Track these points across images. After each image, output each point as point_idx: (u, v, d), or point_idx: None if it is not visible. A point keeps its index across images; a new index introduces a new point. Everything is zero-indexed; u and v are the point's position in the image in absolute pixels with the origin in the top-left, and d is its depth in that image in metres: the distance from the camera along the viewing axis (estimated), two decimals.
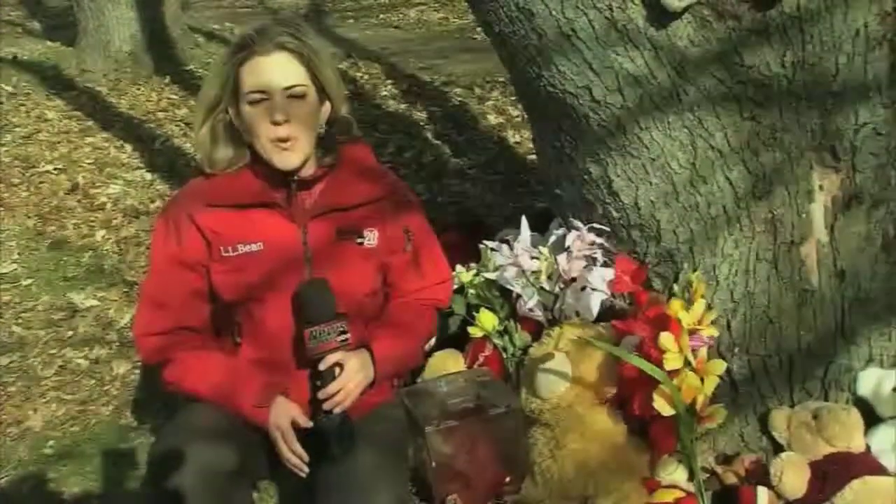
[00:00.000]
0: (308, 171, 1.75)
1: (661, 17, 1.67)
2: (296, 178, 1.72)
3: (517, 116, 4.62)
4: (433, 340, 2.06)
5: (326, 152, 1.78)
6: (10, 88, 6.54)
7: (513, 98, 4.82)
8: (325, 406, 1.63)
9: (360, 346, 1.71)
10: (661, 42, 1.69)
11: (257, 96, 1.66)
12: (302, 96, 1.68)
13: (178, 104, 5.53)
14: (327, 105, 1.75)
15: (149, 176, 4.40)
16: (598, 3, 1.67)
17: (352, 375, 1.65)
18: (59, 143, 5.08)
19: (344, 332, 1.64)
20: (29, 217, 3.95)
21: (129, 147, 4.88)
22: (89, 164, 4.67)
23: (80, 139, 5.12)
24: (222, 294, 1.74)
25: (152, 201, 4.08)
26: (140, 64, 6.65)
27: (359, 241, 1.76)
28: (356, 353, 1.69)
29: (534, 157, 4.04)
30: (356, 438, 1.62)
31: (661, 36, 1.69)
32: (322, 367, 1.63)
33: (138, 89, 6.20)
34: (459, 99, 5.20)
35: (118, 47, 6.66)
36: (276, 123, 1.65)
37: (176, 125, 5.21)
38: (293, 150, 1.68)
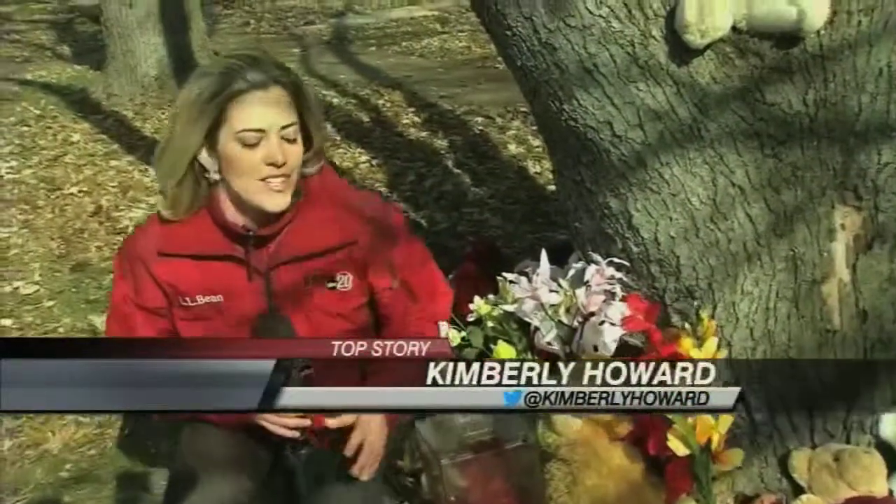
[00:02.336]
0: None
1: (682, 53, 1.67)
2: (251, 233, 1.60)
3: (537, 147, 4.63)
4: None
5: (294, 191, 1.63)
6: (37, 111, 6.65)
7: (533, 128, 4.84)
8: (355, 471, 1.57)
9: None
10: (683, 78, 1.69)
11: (253, 137, 1.51)
12: (294, 139, 1.56)
13: None
14: (311, 150, 1.63)
15: None
16: (619, 39, 1.68)
17: (374, 430, 1.57)
18: (84, 165, 5.15)
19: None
20: (52, 239, 4.00)
21: (152, 171, 4.91)
22: (113, 187, 4.72)
23: (105, 162, 5.19)
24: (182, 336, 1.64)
25: None
26: (166, 89, 6.74)
27: (330, 285, 1.64)
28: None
29: (553, 188, 4.04)
30: (330, 472, 1.58)
31: (682, 72, 1.69)
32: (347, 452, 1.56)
33: (163, 114, 6.28)
34: (480, 128, 5.23)
35: (145, 72, 6.76)
36: (275, 165, 1.52)
37: None
38: (285, 193, 1.56)
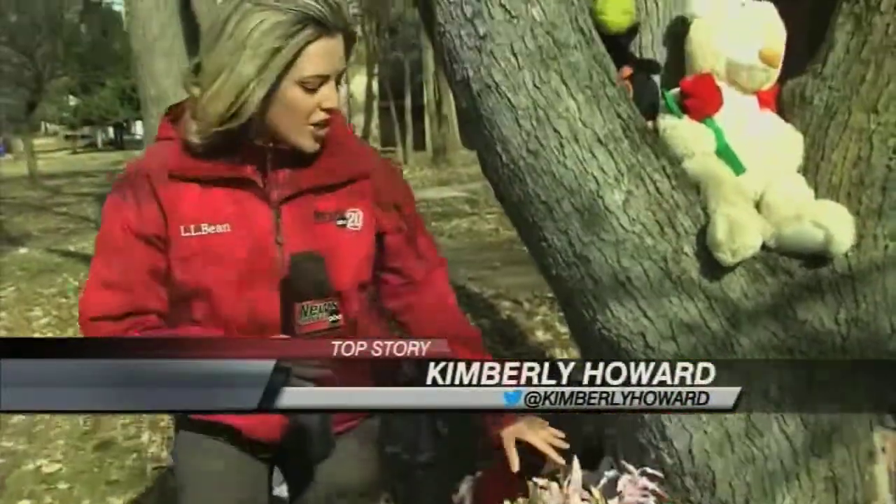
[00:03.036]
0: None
1: (714, 269, 1.72)
2: (271, 146, 1.51)
3: (565, 334, 4.66)
4: None
5: None
6: (76, 283, 6.86)
7: (560, 315, 4.88)
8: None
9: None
10: (715, 293, 1.73)
11: (318, 82, 1.46)
12: (340, 82, 1.54)
13: None
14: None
15: None
16: (652, 254, 1.73)
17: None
18: None
19: (335, 313, 1.48)
20: (79, 415, 4.01)
21: None
22: None
23: None
24: (177, 284, 1.51)
25: None
26: None
27: (340, 222, 1.57)
28: None
29: None
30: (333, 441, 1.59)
31: (714, 287, 1.73)
32: None
33: None
34: (508, 313, 5.29)
35: None
36: (329, 111, 1.49)
37: None
38: (322, 135, 1.53)
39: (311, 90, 1.46)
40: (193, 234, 1.49)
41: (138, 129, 39.36)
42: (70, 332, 5.36)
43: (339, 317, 1.49)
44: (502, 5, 1.66)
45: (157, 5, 6.64)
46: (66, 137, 50.37)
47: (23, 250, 9.07)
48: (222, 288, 1.49)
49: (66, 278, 7.07)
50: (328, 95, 1.48)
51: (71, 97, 41.99)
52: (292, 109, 1.46)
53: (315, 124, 1.49)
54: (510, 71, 1.68)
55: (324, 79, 1.46)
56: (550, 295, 5.17)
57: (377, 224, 1.61)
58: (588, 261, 1.77)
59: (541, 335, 4.81)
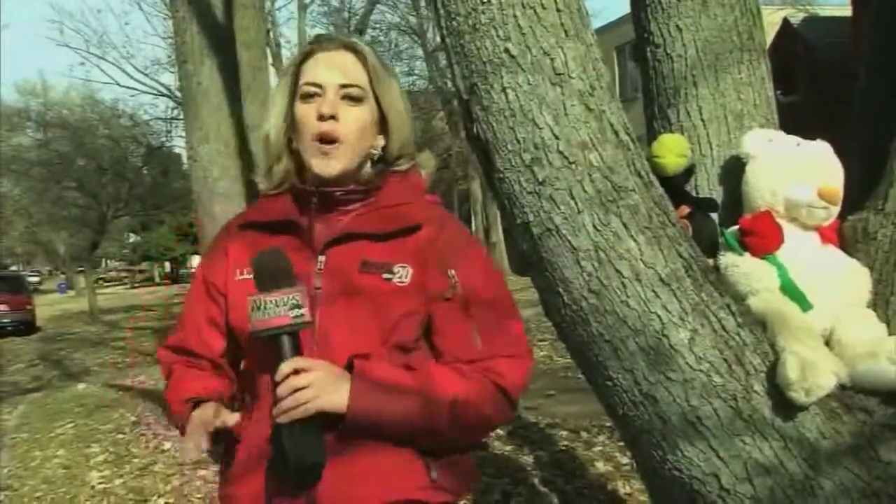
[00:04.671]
0: (343, 186, 1.53)
1: (787, 408, 1.68)
2: (317, 189, 1.51)
3: (626, 465, 4.53)
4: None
5: (371, 176, 1.56)
6: (133, 418, 6.92)
7: (620, 444, 4.77)
8: (274, 413, 1.33)
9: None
10: (790, 433, 1.68)
11: (311, 90, 1.51)
12: (357, 99, 1.51)
13: None
14: (389, 140, 1.56)
15: None
16: (721, 393, 1.70)
17: (311, 379, 1.34)
18: (172, 475, 5.22)
19: (299, 307, 1.33)
20: None
21: None
22: (199, 498, 4.74)
23: (193, 472, 5.25)
24: (233, 331, 1.54)
25: None
26: None
27: (386, 276, 1.45)
28: (329, 364, 1.38)
29: None
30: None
31: (789, 427, 1.68)
32: (277, 377, 1.33)
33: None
34: (565, 443, 5.17)
35: None
36: (321, 118, 1.48)
37: None
38: (334, 157, 1.49)
39: (309, 98, 1.51)
40: (238, 277, 1.53)
41: (194, 263, 40.52)
42: (126, 469, 5.38)
43: (304, 311, 1.35)
44: (560, 152, 1.71)
45: (217, 150, 6.97)
46: (125, 272, 51.96)
47: (81, 386, 9.22)
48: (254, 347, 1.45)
49: (123, 413, 7.14)
50: (324, 102, 1.49)
51: (131, 235, 43.58)
52: (297, 122, 1.52)
53: (319, 140, 1.49)
54: (570, 214, 1.72)
55: (319, 87, 1.50)
56: (609, 424, 5.06)
57: (425, 286, 1.47)
58: (656, 400, 1.75)
59: (601, 466, 4.67)
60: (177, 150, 28.74)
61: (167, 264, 46.36)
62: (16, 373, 12.59)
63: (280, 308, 1.32)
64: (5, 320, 20.30)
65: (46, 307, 27.48)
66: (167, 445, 5.93)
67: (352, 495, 1.42)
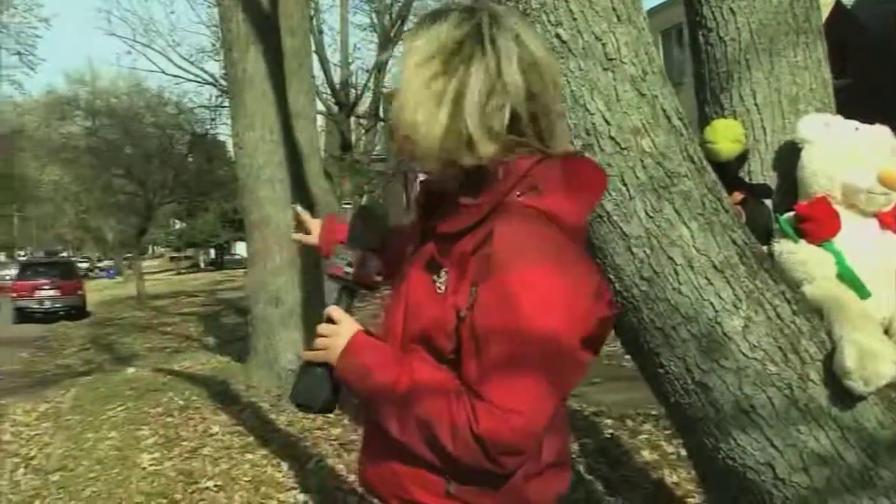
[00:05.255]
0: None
1: (845, 397, 1.65)
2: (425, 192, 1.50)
3: (672, 454, 4.49)
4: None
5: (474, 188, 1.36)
6: (181, 402, 7.03)
7: (667, 432, 4.73)
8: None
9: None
10: (847, 422, 1.66)
11: None
12: None
13: (335, 422, 5.72)
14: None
15: (301, 497, 4.45)
16: (776, 382, 1.68)
17: (329, 332, 1.44)
18: (220, 458, 5.29)
19: (350, 265, 1.52)
20: None
21: (284, 466, 5.01)
22: (247, 482, 4.80)
23: (241, 455, 5.32)
24: None
25: None
26: None
27: (434, 278, 1.35)
28: (354, 327, 1.44)
29: (693, 501, 3.86)
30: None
31: (846, 416, 1.66)
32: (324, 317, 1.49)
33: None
34: (610, 431, 5.14)
35: (282, 365, 7.13)
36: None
37: (329, 444, 5.35)
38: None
39: None
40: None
41: (237, 249, 41.05)
42: (175, 451, 5.48)
43: (351, 271, 1.51)
44: (612, 137, 1.70)
45: (262, 137, 7.04)
46: (171, 259, 52.82)
47: (131, 370, 9.39)
48: None
49: (172, 397, 7.24)
50: None
51: (176, 222, 44.28)
52: None
53: None
54: (621, 201, 1.71)
55: None
56: (654, 412, 5.02)
57: (455, 295, 1.32)
58: (708, 388, 1.73)
59: (647, 454, 4.63)
60: (221, 138, 29.09)
61: (212, 251, 47.05)
62: (68, 356, 12.86)
63: (342, 261, 1.53)
64: (58, 305, 20.75)
65: (96, 292, 28.02)
66: (215, 429, 6.01)
67: (384, 480, 1.46)
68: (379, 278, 1.57)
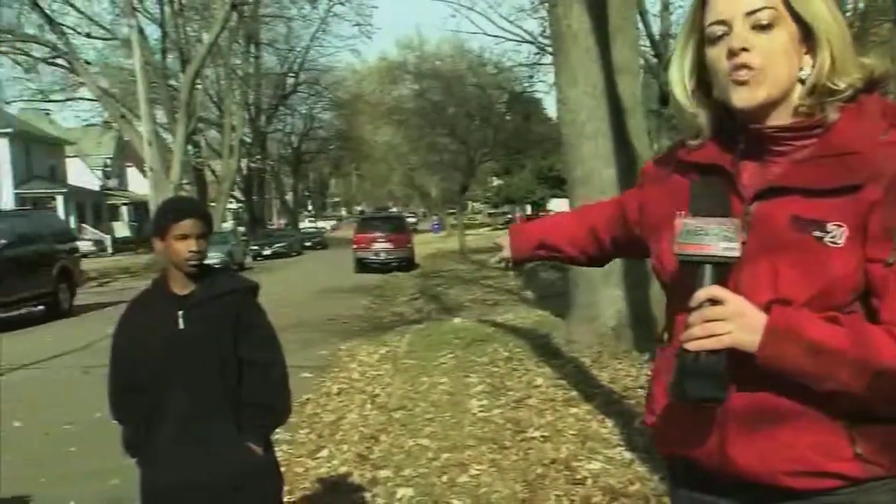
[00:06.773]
0: (775, 121, 1.34)
1: None
2: (749, 127, 1.35)
3: None
4: None
5: (814, 109, 1.33)
6: (506, 353, 7.32)
7: None
8: (682, 339, 1.27)
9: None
10: None
11: (717, 30, 1.33)
12: (768, 26, 1.31)
13: None
14: (818, 58, 1.32)
15: (628, 455, 4.38)
16: None
17: (727, 312, 1.24)
18: (545, 410, 5.43)
19: (731, 240, 1.24)
20: (517, 482, 4.18)
21: (609, 422, 4.99)
22: (572, 435, 4.86)
23: (565, 409, 5.41)
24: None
25: (631, 483, 3.99)
26: (621, 339, 7.00)
27: (817, 234, 1.27)
28: (746, 301, 1.26)
29: None
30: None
31: None
32: (692, 303, 1.26)
33: (619, 363, 6.47)
34: None
35: (603, 322, 7.12)
36: (732, 54, 1.31)
37: None
38: (751, 84, 1.31)
39: (716, 40, 1.34)
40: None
41: (552, 206, 41.78)
42: (502, 400, 5.71)
43: (737, 247, 1.26)
44: None
45: (585, 92, 6.99)
46: (489, 215, 55.28)
47: (457, 320, 9.95)
48: None
49: (496, 348, 7.57)
50: (733, 37, 1.31)
51: (494, 179, 46.14)
52: (712, 71, 1.36)
53: (730, 76, 1.32)
54: None
55: (724, 25, 1.32)
56: None
57: (862, 247, 1.27)
58: None
59: None
60: (537, 96, 29.63)
61: (528, 207, 48.43)
62: (401, 304, 13.97)
63: (711, 237, 1.26)
64: (391, 257, 22.74)
65: (423, 246, 30.13)
66: (539, 381, 6.17)
67: (770, 456, 1.32)
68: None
